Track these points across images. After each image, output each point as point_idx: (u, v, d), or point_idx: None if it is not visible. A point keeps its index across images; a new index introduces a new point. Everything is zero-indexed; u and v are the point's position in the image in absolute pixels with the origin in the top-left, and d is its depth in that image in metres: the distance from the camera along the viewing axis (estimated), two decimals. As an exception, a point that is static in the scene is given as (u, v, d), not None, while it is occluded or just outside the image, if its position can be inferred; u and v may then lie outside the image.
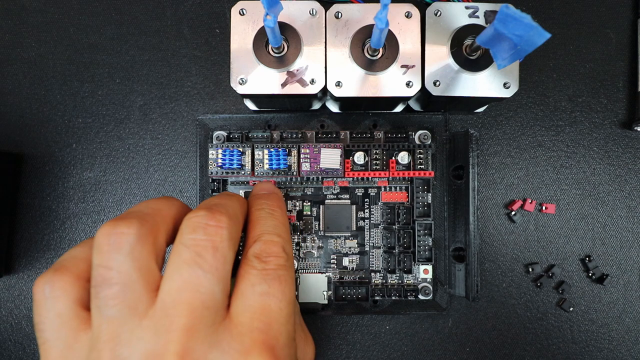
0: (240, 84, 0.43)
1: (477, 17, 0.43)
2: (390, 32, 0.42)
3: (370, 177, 0.50)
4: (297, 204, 0.52)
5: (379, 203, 0.52)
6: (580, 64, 0.54)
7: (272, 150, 0.47)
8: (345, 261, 0.52)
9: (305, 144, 0.47)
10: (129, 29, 0.54)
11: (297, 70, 0.43)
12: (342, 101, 0.47)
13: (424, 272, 0.51)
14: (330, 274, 0.52)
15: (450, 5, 0.43)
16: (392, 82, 0.43)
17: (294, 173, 0.48)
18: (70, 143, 0.54)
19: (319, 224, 0.52)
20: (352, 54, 0.43)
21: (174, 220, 0.33)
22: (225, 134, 0.51)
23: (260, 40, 0.42)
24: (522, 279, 0.53)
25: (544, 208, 0.53)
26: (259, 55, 0.42)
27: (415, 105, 0.52)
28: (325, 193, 0.52)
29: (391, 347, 0.53)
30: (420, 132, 0.51)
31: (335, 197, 0.52)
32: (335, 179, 0.51)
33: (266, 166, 0.47)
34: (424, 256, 0.50)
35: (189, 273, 0.29)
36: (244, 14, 0.43)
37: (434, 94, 0.43)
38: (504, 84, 0.43)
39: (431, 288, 0.51)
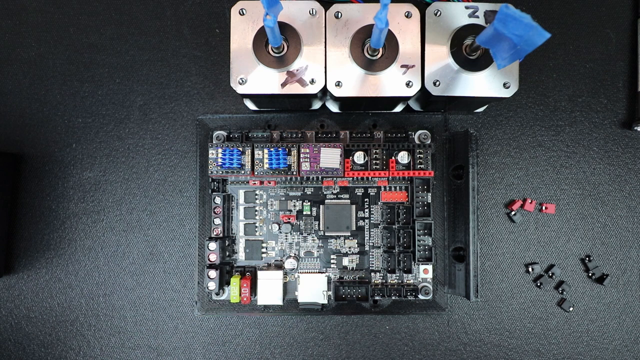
0: (240, 84, 0.43)
1: (477, 17, 0.43)
2: (390, 32, 0.42)
3: (370, 177, 0.50)
4: (297, 203, 0.52)
5: (379, 203, 0.52)
6: (580, 64, 0.54)
7: (272, 149, 0.47)
8: (345, 261, 0.52)
9: (305, 144, 0.47)
10: (129, 29, 0.54)
11: (297, 70, 0.43)
12: (342, 101, 0.47)
13: (424, 272, 0.51)
14: (331, 274, 0.52)
15: (450, 5, 0.43)
16: (392, 82, 0.43)
17: (294, 173, 0.48)
18: (70, 143, 0.54)
19: (319, 224, 0.52)
20: (352, 54, 0.43)
21: None
22: (225, 133, 0.51)
23: (260, 40, 0.42)
24: (522, 279, 0.53)
25: (544, 208, 0.53)
26: (259, 55, 0.42)
27: (415, 105, 0.52)
28: (325, 193, 0.52)
29: (391, 347, 0.53)
30: (420, 132, 0.51)
31: (335, 196, 0.52)
32: (335, 178, 0.51)
33: (266, 166, 0.47)
34: (423, 256, 0.50)
35: None
36: (244, 14, 0.43)
37: (433, 94, 0.43)
38: (504, 84, 0.43)
39: (431, 288, 0.51)
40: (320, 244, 0.52)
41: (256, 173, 0.48)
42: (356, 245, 0.52)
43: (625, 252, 0.53)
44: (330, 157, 0.47)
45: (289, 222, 0.52)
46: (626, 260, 0.53)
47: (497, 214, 0.53)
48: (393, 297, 0.50)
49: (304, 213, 0.52)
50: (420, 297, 0.51)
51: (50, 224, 0.53)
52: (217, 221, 0.51)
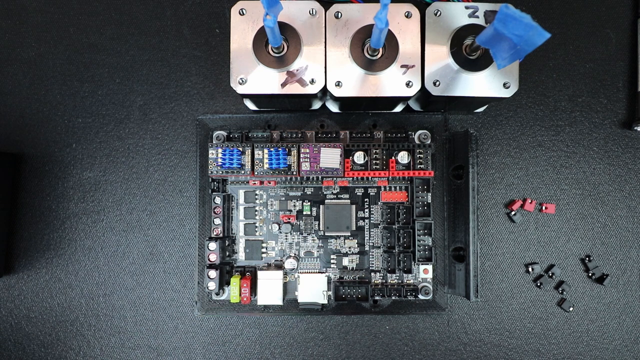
0: (240, 84, 0.43)
1: (477, 17, 0.43)
2: (390, 32, 0.42)
3: (370, 177, 0.49)
4: (297, 203, 0.52)
5: (379, 203, 0.52)
6: (580, 64, 0.54)
7: (272, 149, 0.47)
8: (345, 261, 0.52)
9: (305, 144, 0.47)
10: (129, 29, 0.54)
11: (297, 70, 0.43)
12: (342, 101, 0.47)
13: (424, 272, 0.51)
14: (331, 274, 0.52)
15: (450, 5, 0.43)
16: (392, 82, 0.43)
17: (294, 173, 0.48)
18: (70, 143, 0.54)
19: (319, 224, 0.52)
20: (352, 54, 0.43)
21: None
22: (225, 133, 0.51)
23: (260, 40, 0.42)
24: (522, 279, 0.53)
25: (544, 208, 0.53)
26: (259, 55, 0.42)
27: (415, 105, 0.52)
28: (325, 193, 0.52)
29: (391, 347, 0.53)
30: (420, 132, 0.51)
31: (335, 196, 0.52)
32: (335, 178, 0.51)
33: (266, 166, 0.47)
34: (423, 256, 0.50)
35: None
36: (244, 14, 0.43)
37: (433, 94, 0.43)
38: (504, 84, 0.43)
39: (431, 288, 0.51)
40: (320, 244, 0.52)
41: (256, 173, 0.48)
42: (356, 245, 0.52)
43: (625, 252, 0.53)
44: (330, 157, 0.47)
45: (289, 222, 0.52)
46: (626, 260, 0.53)
47: (497, 214, 0.53)
48: (393, 297, 0.50)
49: (304, 213, 0.52)
50: (420, 297, 0.51)
51: (50, 224, 0.53)
52: (217, 221, 0.51)
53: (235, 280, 0.49)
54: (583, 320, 0.53)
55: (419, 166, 0.50)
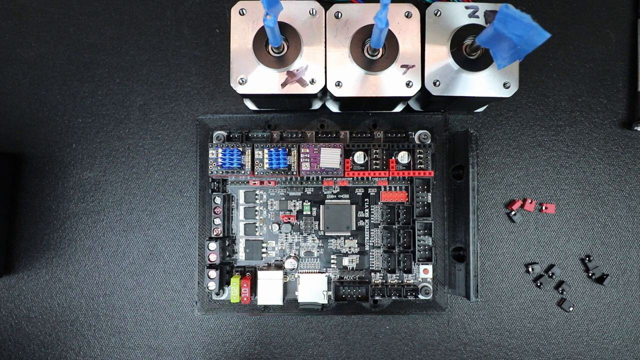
0: (240, 84, 0.43)
1: (477, 17, 0.43)
2: (390, 32, 0.42)
3: (370, 177, 0.49)
4: (297, 203, 0.52)
5: (379, 203, 0.52)
6: (580, 64, 0.54)
7: (272, 149, 0.47)
8: (345, 261, 0.52)
9: (305, 144, 0.47)
10: (129, 29, 0.54)
11: (297, 70, 0.43)
12: (342, 101, 0.47)
13: (424, 272, 0.51)
14: (331, 274, 0.52)
15: (450, 5, 0.43)
16: (392, 82, 0.43)
17: (294, 173, 0.48)
18: (70, 143, 0.54)
19: (319, 224, 0.52)
20: (352, 54, 0.43)
21: None
22: (225, 133, 0.51)
23: (260, 40, 0.42)
24: (522, 279, 0.53)
25: (544, 208, 0.53)
26: (259, 55, 0.42)
27: (415, 105, 0.52)
28: (325, 193, 0.52)
29: (391, 347, 0.53)
30: (420, 131, 0.51)
31: (335, 196, 0.52)
32: (335, 178, 0.51)
33: (266, 166, 0.47)
34: (423, 256, 0.50)
35: None
36: (244, 14, 0.43)
37: (433, 94, 0.43)
38: (504, 84, 0.43)
39: (431, 288, 0.51)
40: (320, 244, 0.52)
41: (256, 173, 0.48)
42: (356, 245, 0.52)
43: (625, 252, 0.53)
44: (330, 157, 0.47)
45: (289, 222, 0.52)
46: (626, 260, 0.53)
47: (497, 214, 0.53)
48: (393, 297, 0.50)
49: (304, 213, 0.52)
50: (420, 297, 0.51)
51: (50, 224, 0.53)
52: (217, 221, 0.51)
53: (235, 280, 0.49)
54: (583, 320, 0.53)
55: (419, 166, 0.50)
